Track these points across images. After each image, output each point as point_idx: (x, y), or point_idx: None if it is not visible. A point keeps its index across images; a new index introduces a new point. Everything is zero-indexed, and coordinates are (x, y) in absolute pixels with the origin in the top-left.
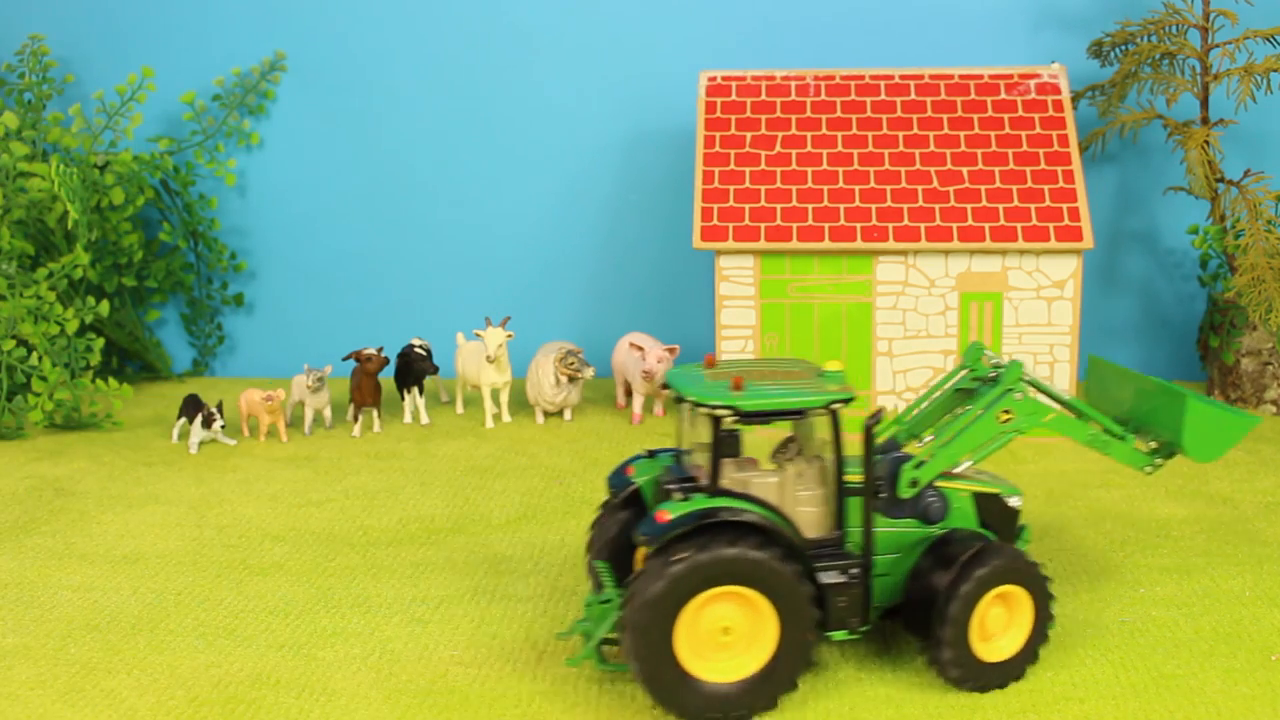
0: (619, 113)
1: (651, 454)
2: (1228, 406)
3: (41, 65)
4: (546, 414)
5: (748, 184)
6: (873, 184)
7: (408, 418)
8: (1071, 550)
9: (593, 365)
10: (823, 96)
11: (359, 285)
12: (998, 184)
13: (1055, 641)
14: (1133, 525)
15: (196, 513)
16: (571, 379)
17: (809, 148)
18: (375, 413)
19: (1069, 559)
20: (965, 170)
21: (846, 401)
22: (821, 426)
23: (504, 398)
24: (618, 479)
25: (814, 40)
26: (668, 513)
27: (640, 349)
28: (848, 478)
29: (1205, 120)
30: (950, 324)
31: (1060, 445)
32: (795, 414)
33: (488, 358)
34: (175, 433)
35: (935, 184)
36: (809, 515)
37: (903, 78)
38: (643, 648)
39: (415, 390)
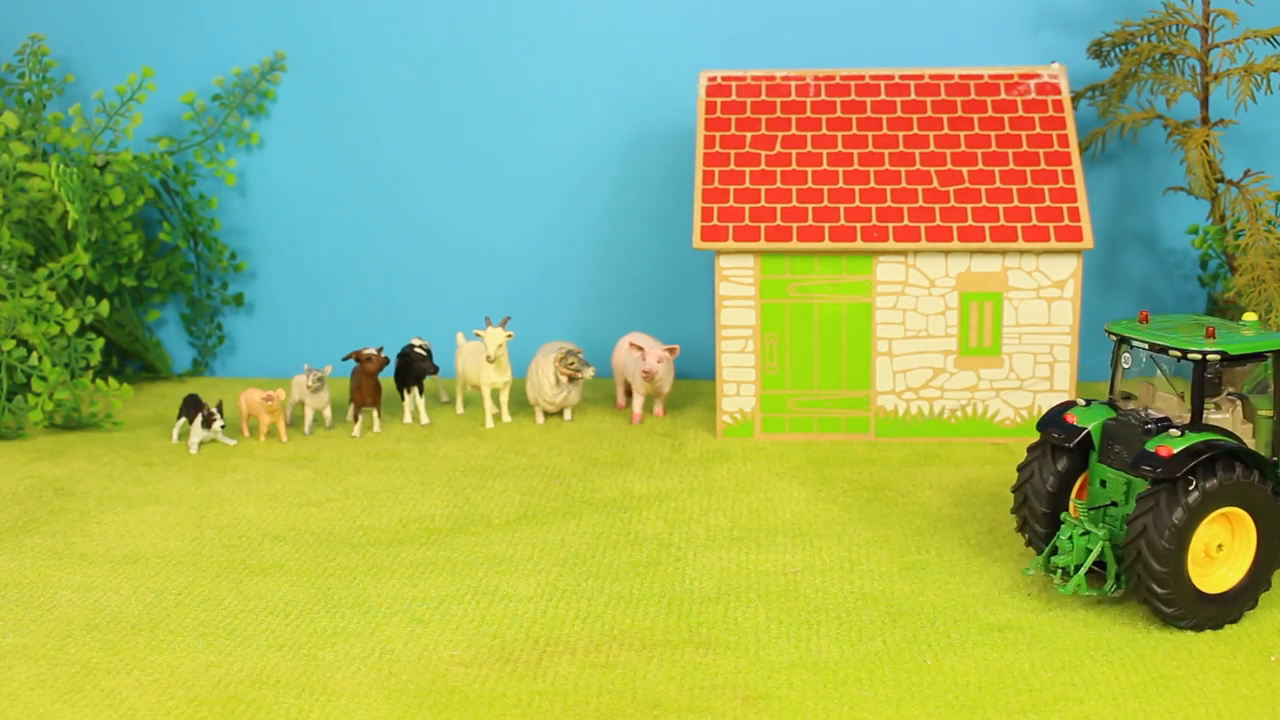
0: (619, 113)
1: (1088, 403)
2: None
3: (41, 65)
4: (546, 414)
5: (748, 184)
6: (873, 184)
7: (408, 418)
8: None
9: (593, 365)
10: (823, 96)
11: (359, 285)
12: (998, 184)
13: (1055, 641)
14: None
15: (196, 513)
16: (571, 379)
17: (809, 148)
18: (375, 413)
19: None
20: (965, 170)
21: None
22: (1262, 368)
23: (504, 398)
24: (1059, 425)
25: (814, 40)
26: (1170, 447)
27: (640, 349)
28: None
29: (1205, 120)
30: (950, 324)
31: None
32: (1260, 357)
33: (488, 358)
34: (175, 433)
35: (935, 184)
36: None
37: (903, 78)
38: (1163, 572)
39: (415, 390)
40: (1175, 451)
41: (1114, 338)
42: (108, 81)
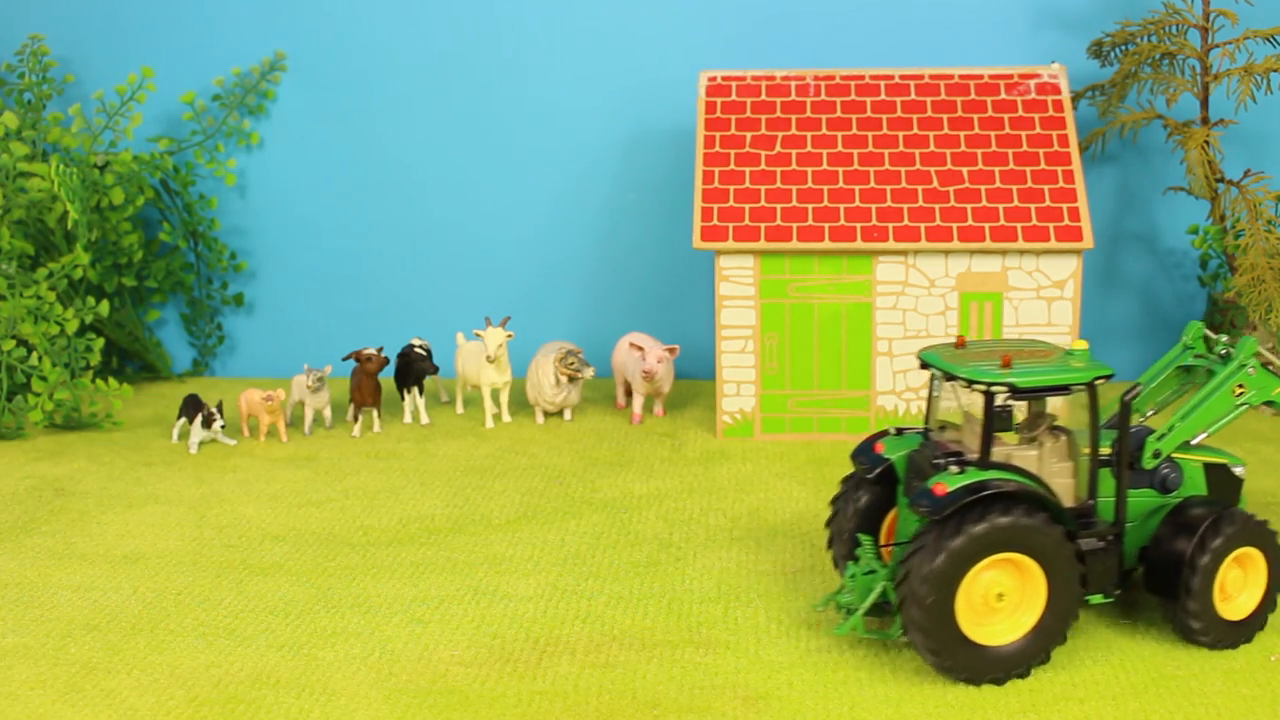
0: (619, 113)
1: (899, 431)
2: None
3: (41, 65)
4: (546, 414)
5: (748, 184)
6: (873, 184)
7: (408, 418)
8: None
9: (593, 365)
10: (823, 96)
11: (359, 285)
12: (998, 184)
13: None
14: None
15: (196, 513)
16: (571, 379)
17: (809, 148)
18: (375, 413)
19: None
20: (965, 170)
21: (1106, 378)
22: (1075, 401)
23: (504, 398)
24: (868, 455)
25: (814, 40)
26: (945, 485)
27: (640, 349)
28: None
29: (1205, 120)
30: (950, 324)
31: None
32: (1060, 390)
33: (488, 358)
34: (175, 433)
35: (935, 184)
36: (1062, 486)
37: (903, 78)
38: (926, 619)
39: (415, 390)
40: (949, 490)
41: (921, 364)
42: (108, 81)
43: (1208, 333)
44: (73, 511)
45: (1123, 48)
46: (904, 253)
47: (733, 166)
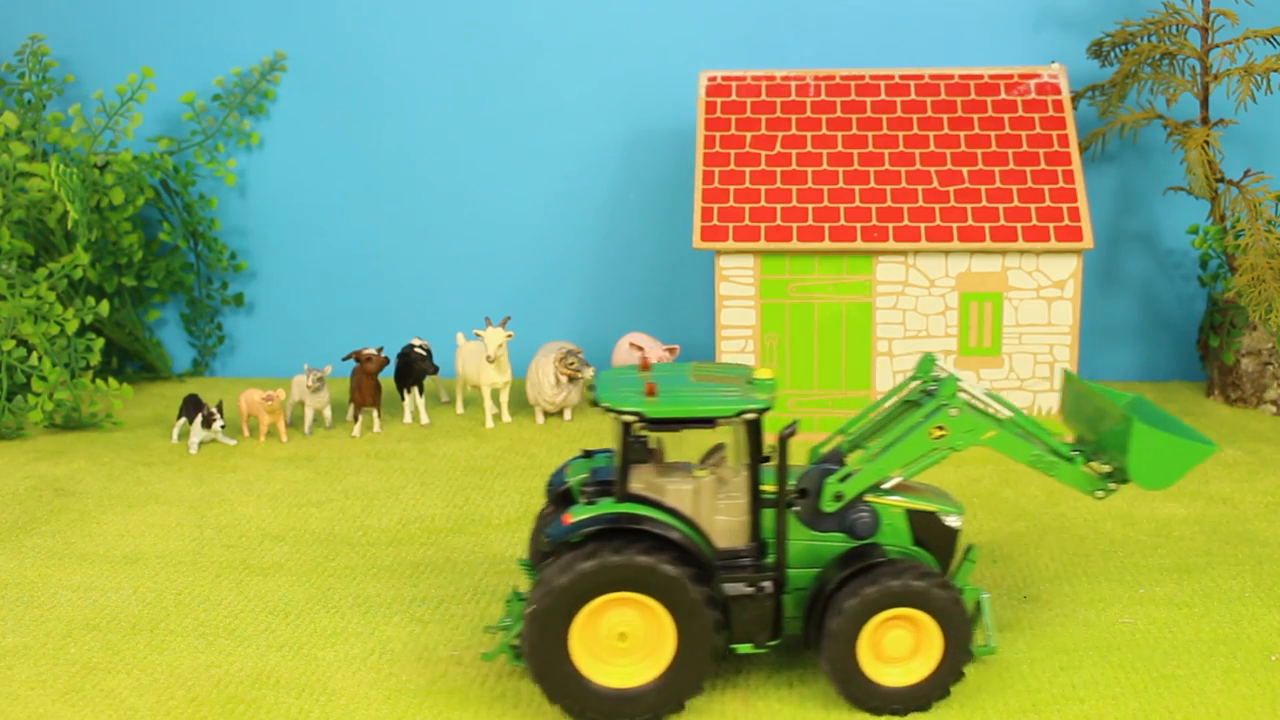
0: (619, 112)
1: (588, 454)
2: (1183, 433)
3: (41, 65)
4: (546, 414)
5: (748, 184)
6: (873, 184)
7: (408, 418)
8: (1071, 550)
9: (593, 365)
10: (823, 96)
11: (359, 285)
12: (998, 184)
13: (1055, 642)
14: (1133, 525)
15: (196, 513)
16: (571, 379)
17: (809, 148)
18: (375, 413)
19: (1069, 559)
20: (965, 170)
21: (760, 411)
22: (744, 435)
23: (504, 398)
24: (557, 478)
25: (814, 40)
26: (571, 516)
27: (640, 349)
28: (767, 488)
29: (1205, 120)
30: (950, 324)
31: None
32: (703, 422)
33: (488, 358)
34: (175, 433)
35: (935, 184)
36: (728, 524)
37: (903, 78)
38: (535, 655)
39: (415, 390)
40: (573, 521)
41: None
42: (108, 81)
43: (940, 363)
44: (73, 511)
45: (1123, 48)
46: (904, 253)
47: (733, 166)
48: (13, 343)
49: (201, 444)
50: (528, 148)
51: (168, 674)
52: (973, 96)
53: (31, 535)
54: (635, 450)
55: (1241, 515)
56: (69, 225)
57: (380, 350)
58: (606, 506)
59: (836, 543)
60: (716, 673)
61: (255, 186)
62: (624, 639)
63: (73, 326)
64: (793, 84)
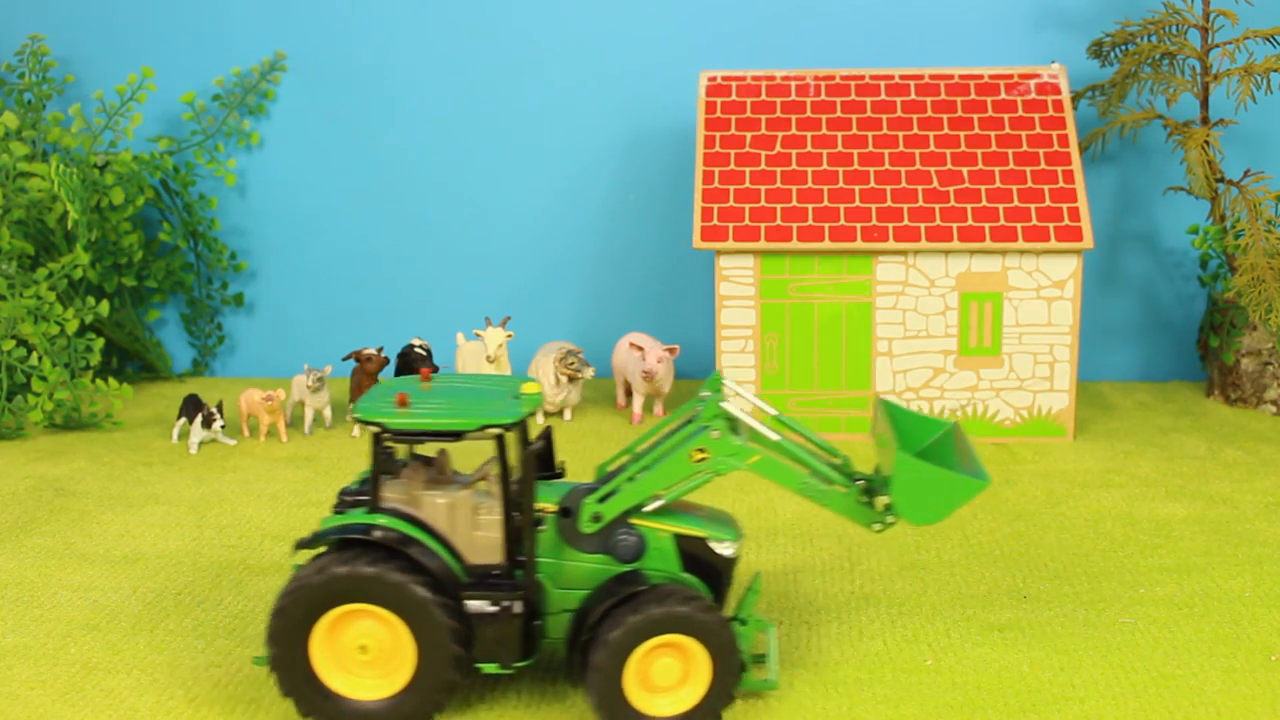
0: (619, 112)
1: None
2: (962, 466)
3: (41, 65)
4: (546, 414)
5: (748, 184)
6: (873, 184)
7: None
8: (1071, 550)
9: (593, 365)
10: (823, 96)
11: (359, 285)
12: (998, 184)
13: (1056, 642)
14: (1133, 525)
15: (196, 513)
16: (571, 379)
17: (809, 148)
18: None
19: (1069, 559)
20: (965, 170)
21: (505, 427)
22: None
23: None
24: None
25: (814, 40)
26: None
27: (640, 349)
28: (537, 506)
29: (1205, 120)
30: (950, 324)
31: (1060, 445)
32: (448, 436)
33: (488, 358)
34: (175, 433)
35: (935, 184)
36: (486, 540)
37: (903, 78)
38: (281, 664)
39: None
40: (314, 532)
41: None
42: (108, 81)
43: (726, 383)
44: (73, 511)
45: (1123, 48)
46: (904, 253)
47: (733, 166)
48: (13, 343)
49: (201, 444)
50: (528, 147)
51: (168, 674)
52: (973, 96)
53: (31, 535)
54: (384, 462)
55: (1241, 515)
56: (69, 225)
57: (380, 350)
58: (352, 517)
59: (602, 565)
60: (465, 690)
61: (255, 186)
62: (365, 651)
63: (73, 326)
64: (793, 84)
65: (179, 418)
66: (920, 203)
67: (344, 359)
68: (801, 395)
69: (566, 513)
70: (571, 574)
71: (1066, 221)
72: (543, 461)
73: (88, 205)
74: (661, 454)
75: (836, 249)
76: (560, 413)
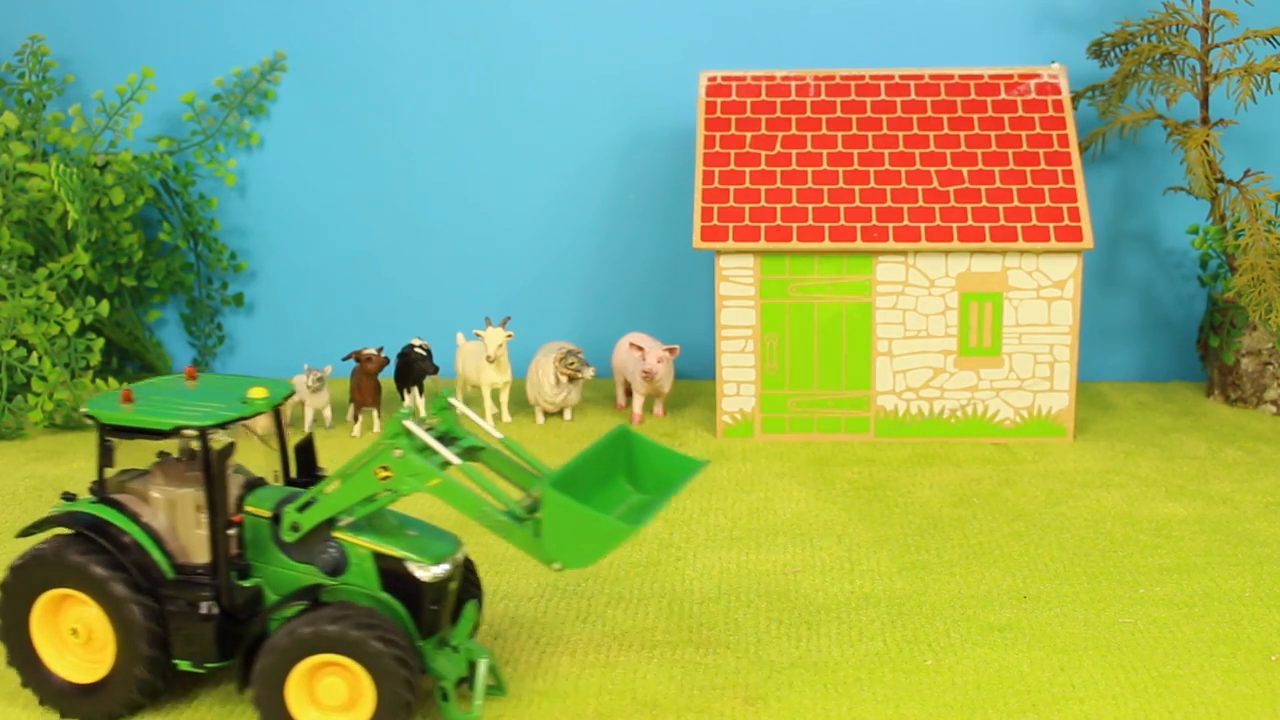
0: (618, 112)
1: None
2: (604, 509)
3: (41, 65)
4: (546, 414)
5: (748, 184)
6: (873, 184)
7: None
8: (1071, 550)
9: (593, 365)
10: (823, 96)
11: (359, 285)
12: (998, 184)
13: (1056, 642)
14: (1133, 525)
15: None
16: (571, 379)
17: (809, 148)
18: (375, 413)
19: (1069, 559)
20: (965, 170)
21: (200, 429)
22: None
23: (504, 398)
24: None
25: (814, 40)
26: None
27: (640, 349)
28: (251, 509)
29: (1205, 120)
30: (950, 324)
31: (1060, 445)
32: (147, 434)
33: (488, 358)
34: None
35: (935, 184)
36: (203, 539)
37: (903, 78)
38: (5, 642)
39: (415, 390)
40: (40, 519)
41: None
42: (108, 81)
43: (451, 401)
44: None
45: (1123, 48)
46: (904, 253)
47: (733, 166)
48: (13, 343)
49: None
50: (528, 147)
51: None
52: (973, 96)
53: None
54: (104, 455)
55: (1241, 515)
56: (69, 225)
57: (380, 350)
58: (76, 505)
59: (311, 575)
60: (161, 689)
61: (255, 186)
62: (76, 635)
63: (73, 326)
64: (793, 84)
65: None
66: (920, 203)
67: (344, 359)
68: (801, 395)
69: (277, 519)
70: (283, 581)
71: (1066, 221)
72: (305, 465)
73: (88, 205)
74: (350, 469)
75: (836, 249)
76: (560, 413)
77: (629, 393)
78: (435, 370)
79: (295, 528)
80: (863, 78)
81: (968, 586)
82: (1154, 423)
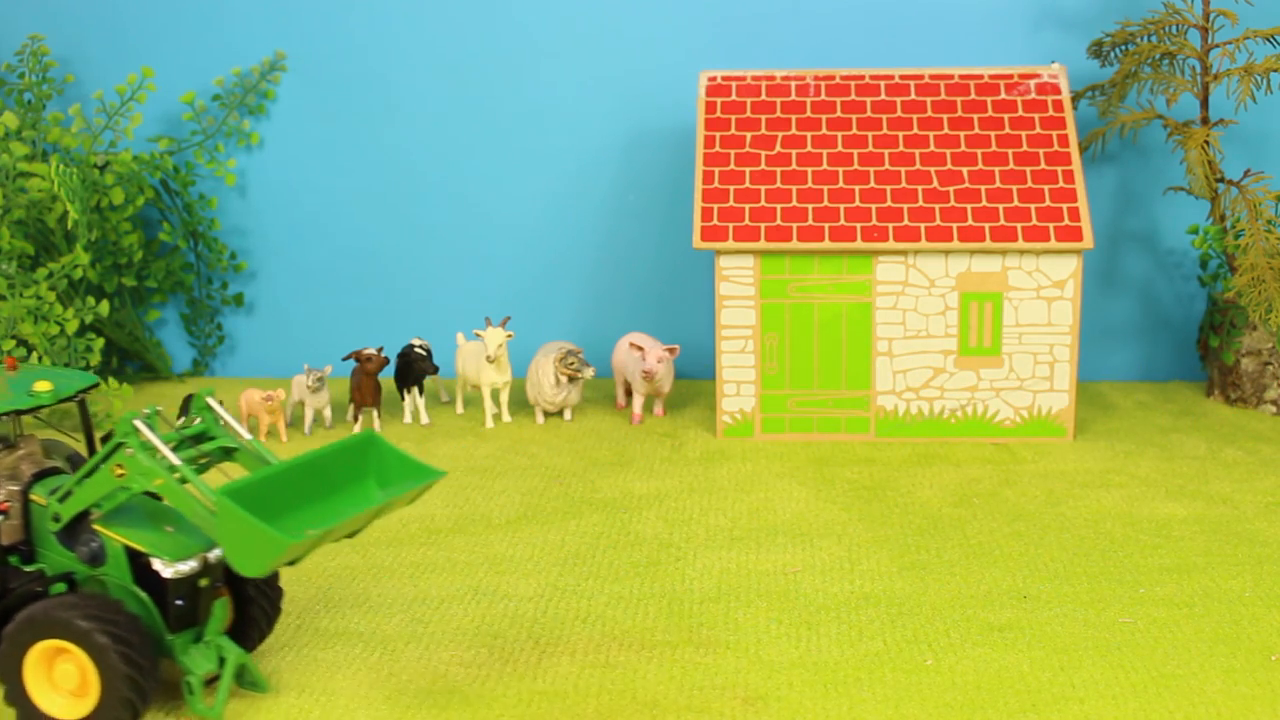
0: (618, 112)
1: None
2: (270, 521)
3: (41, 65)
4: (546, 414)
5: (748, 184)
6: (873, 184)
7: (408, 418)
8: (1071, 550)
9: (593, 365)
10: (823, 96)
11: (359, 285)
12: (998, 184)
13: (1056, 642)
14: (1133, 525)
15: None
16: (571, 379)
17: (809, 148)
18: (375, 413)
19: (1069, 559)
20: (965, 170)
21: None
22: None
23: (504, 398)
24: None
25: (814, 40)
26: None
27: (640, 349)
28: (34, 497)
29: (1205, 120)
30: (950, 324)
31: (1060, 445)
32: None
33: (488, 358)
34: None
35: (935, 184)
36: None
37: (903, 78)
38: None
39: (415, 390)
40: None
41: None
42: (108, 81)
43: (210, 402)
44: None
45: (1123, 48)
46: (904, 253)
47: (733, 166)
48: (13, 343)
49: None
50: (528, 148)
51: (168, 673)
52: (973, 96)
53: None
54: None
55: (1241, 515)
56: (69, 225)
57: (380, 350)
58: None
59: (76, 564)
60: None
61: (255, 186)
62: None
63: (73, 326)
64: (793, 84)
65: (178, 418)
66: (920, 203)
67: (344, 359)
68: (801, 395)
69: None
70: (60, 568)
71: (1066, 221)
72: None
73: (88, 205)
74: (93, 465)
75: (836, 249)
76: (560, 413)
77: (629, 393)
78: (435, 370)
79: (56, 518)
80: (863, 78)
81: (968, 586)
82: (1154, 423)
